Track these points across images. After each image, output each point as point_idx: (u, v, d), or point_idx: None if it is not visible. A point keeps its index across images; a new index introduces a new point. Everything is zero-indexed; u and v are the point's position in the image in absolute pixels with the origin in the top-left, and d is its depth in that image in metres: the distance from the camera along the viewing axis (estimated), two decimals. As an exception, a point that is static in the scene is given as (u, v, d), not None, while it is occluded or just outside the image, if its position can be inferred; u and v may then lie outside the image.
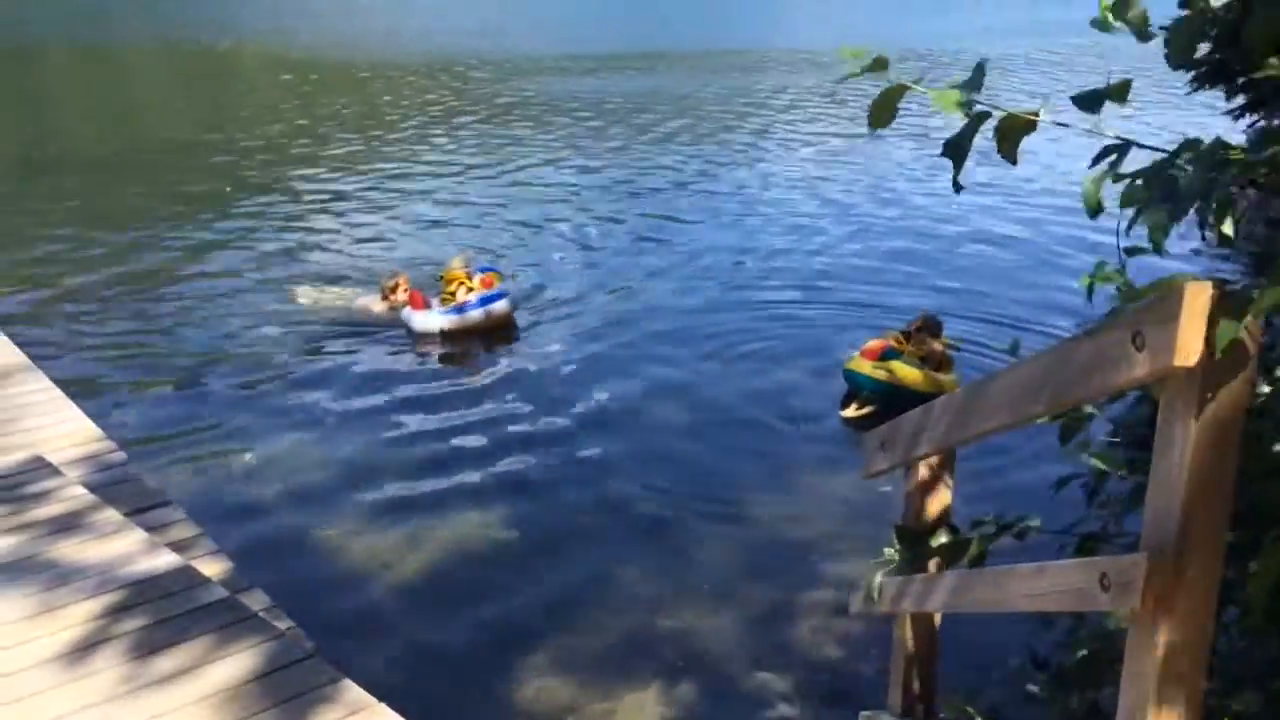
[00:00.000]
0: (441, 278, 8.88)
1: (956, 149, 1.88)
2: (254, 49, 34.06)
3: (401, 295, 8.91)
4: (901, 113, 1.89)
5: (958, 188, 1.93)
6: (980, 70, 1.86)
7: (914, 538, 2.72)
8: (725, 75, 26.44)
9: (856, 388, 7.14)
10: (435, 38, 36.85)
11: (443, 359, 8.27)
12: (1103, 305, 2.29)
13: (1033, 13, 44.08)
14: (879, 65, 1.83)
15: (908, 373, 6.97)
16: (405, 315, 8.71)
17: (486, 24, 42.28)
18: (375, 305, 9.04)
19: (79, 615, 3.34)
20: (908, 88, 1.84)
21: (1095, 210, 1.83)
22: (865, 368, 7.08)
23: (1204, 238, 1.85)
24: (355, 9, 50.22)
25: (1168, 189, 1.73)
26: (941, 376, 7.02)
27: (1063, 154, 14.43)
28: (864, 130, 15.33)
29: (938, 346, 7.24)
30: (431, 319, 8.54)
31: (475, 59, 30.14)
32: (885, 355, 7.14)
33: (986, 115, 1.83)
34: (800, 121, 19.52)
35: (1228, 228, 1.70)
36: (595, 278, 10.19)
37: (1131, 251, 2.08)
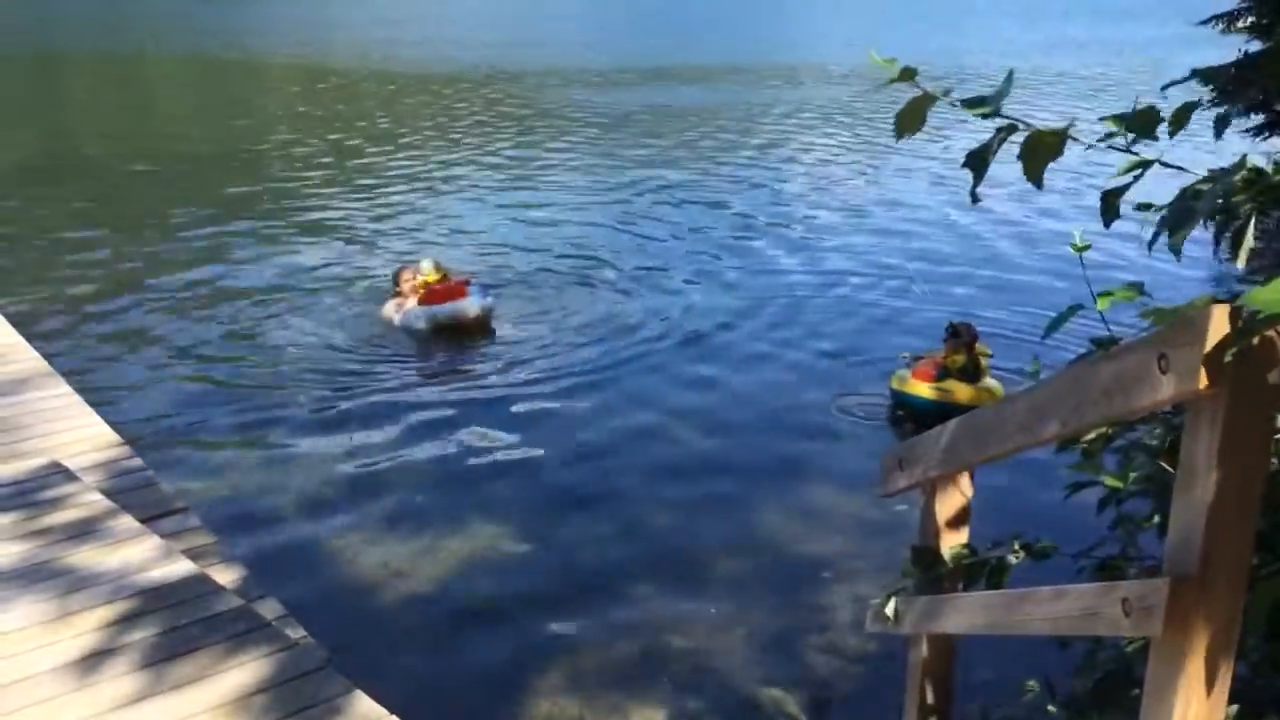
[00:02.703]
0: (424, 280, 8.99)
1: (979, 161, 1.86)
2: (284, 59, 34.28)
3: (407, 288, 9.03)
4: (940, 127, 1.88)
5: (975, 199, 1.93)
6: (1009, 80, 1.85)
7: (931, 558, 2.70)
8: (756, 88, 26.51)
9: (912, 410, 7.17)
10: (469, 49, 37.01)
11: (458, 370, 8.28)
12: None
13: (1063, 29, 44.06)
14: (907, 75, 1.81)
15: (963, 390, 7.01)
16: (441, 309, 8.70)
17: (522, 36, 42.51)
18: (392, 309, 9.12)
19: (93, 621, 3.34)
20: (935, 98, 1.82)
21: (1110, 219, 1.83)
22: (923, 390, 7.11)
23: (1216, 253, 1.85)
24: (386, 20, 50.48)
25: (1189, 209, 1.72)
26: (957, 385, 7.02)
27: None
28: (905, 149, 15.27)
29: (959, 357, 7.21)
30: (478, 301, 8.84)
31: (512, 70, 30.37)
32: (940, 375, 7.12)
33: (1013, 128, 1.81)
34: (820, 136, 19.54)
35: (1246, 247, 1.69)
36: (615, 288, 10.20)
37: (1106, 295, 2.09)
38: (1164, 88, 2.16)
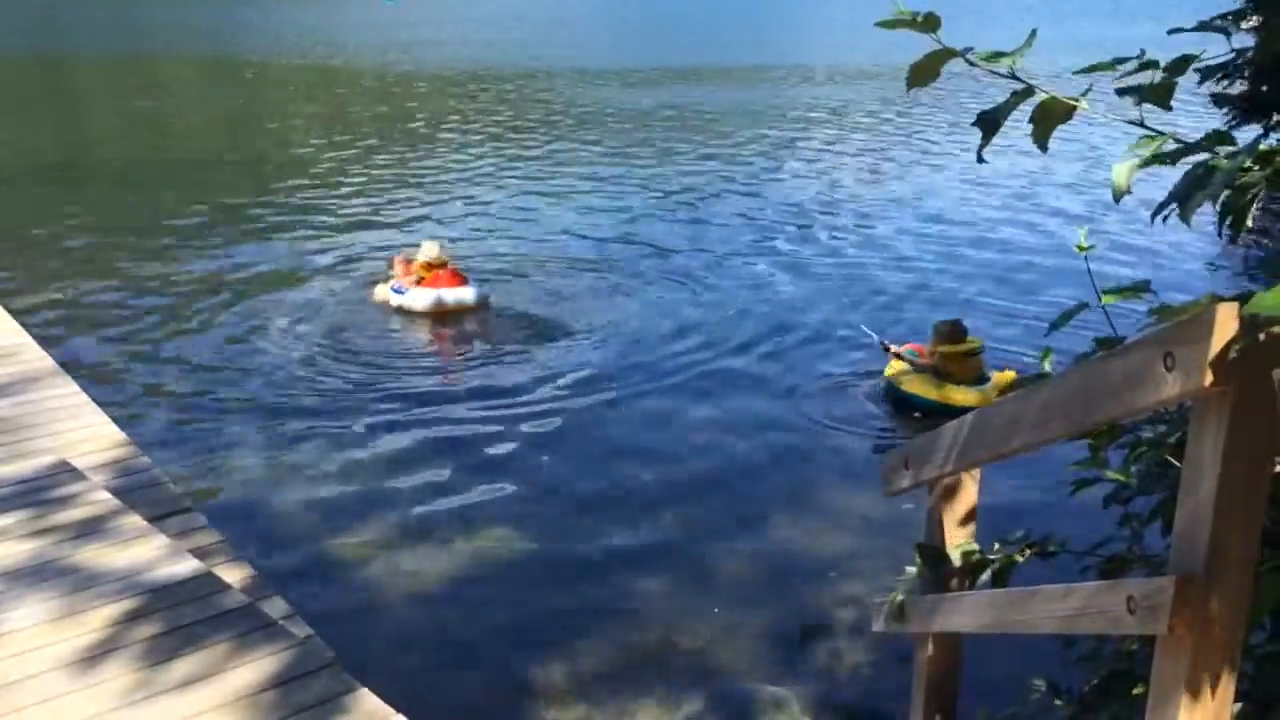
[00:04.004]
0: (425, 262, 9.33)
1: (990, 121, 1.84)
2: (304, 62, 34.28)
3: (402, 271, 9.39)
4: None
5: (981, 159, 1.91)
6: (1031, 38, 1.82)
7: (937, 556, 2.70)
8: (775, 89, 26.51)
9: (905, 404, 7.27)
10: (487, 51, 37.01)
11: (467, 369, 8.30)
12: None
13: (1087, 29, 43.92)
14: (930, 24, 1.78)
15: (915, 385, 7.16)
16: (448, 292, 9.12)
17: (541, 36, 42.53)
18: (381, 294, 9.49)
19: (100, 619, 3.35)
20: (953, 52, 1.79)
21: (1120, 194, 1.81)
22: (911, 385, 7.22)
23: (1220, 234, 1.82)
24: (404, 23, 50.46)
25: (1201, 181, 1.70)
26: (955, 388, 7.03)
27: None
28: (906, 155, 15.22)
29: (937, 353, 7.25)
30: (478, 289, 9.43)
31: (532, 71, 30.42)
32: (926, 371, 7.22)
33: (1029, 92, 1.79)
34: (841, 136, 19.51)
35: (1245, 224, 1.67)
36: (626, 287, 10.20)
37: (1110, 292, 2.07)
38: (1170, 32, 2.11)
